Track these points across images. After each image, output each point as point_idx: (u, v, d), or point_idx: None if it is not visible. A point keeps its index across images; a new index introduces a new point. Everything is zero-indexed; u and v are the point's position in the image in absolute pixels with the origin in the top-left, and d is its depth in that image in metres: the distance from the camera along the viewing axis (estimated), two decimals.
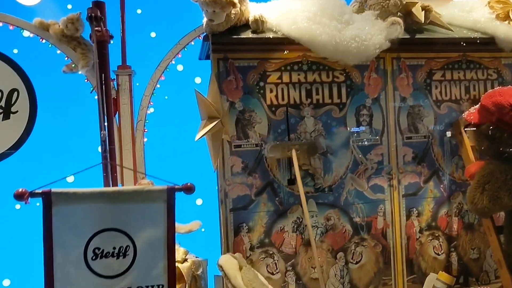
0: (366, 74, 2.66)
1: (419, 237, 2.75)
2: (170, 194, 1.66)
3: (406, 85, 2.73)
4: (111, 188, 1.73)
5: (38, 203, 3.48)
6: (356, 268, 2.66)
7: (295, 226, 2.59)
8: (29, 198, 1.58)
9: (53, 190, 1.55)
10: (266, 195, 2.54)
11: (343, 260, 2.64)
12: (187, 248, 2.73)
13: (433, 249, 2.76)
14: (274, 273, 2.54)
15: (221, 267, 1.82)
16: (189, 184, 1.79)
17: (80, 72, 2.94)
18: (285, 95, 2.55)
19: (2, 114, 2.89)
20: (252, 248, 2.51)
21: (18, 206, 3.44)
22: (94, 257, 1.50)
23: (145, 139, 2.99)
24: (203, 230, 3.26)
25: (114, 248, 1.52)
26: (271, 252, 2.54)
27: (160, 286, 1.56)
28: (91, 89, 2.99)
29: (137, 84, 3.09)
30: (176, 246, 2.11)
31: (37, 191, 1.59)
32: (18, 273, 3.36)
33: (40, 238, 3.00)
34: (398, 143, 2.71)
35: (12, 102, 2.93)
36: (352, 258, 2.65)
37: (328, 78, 2.61)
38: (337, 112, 2.62)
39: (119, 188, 1.72)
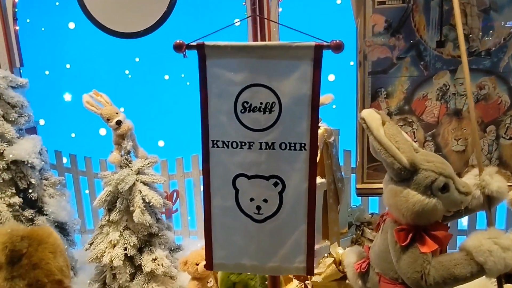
0: None
1: None
2: (317, 51, 1.57)
3: None
4: (260, 43, 1.69)
5: (167, 76, 3.78)
6: (508, 145, 2.39)
7: (440, 94, 2.36)
8: (186, 51, 1.62)
9: (206, 43, 1.57)
10: (410, 58, 2.32)
11: (494, 134, 2.38)
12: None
13: None
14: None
15: (363, 119, 1.75)
16: (338, 41, 1.60)
17: None
18: None
19: None
20: (389, 115, 2.39)
21: (166, 77, 3.81)
22: (243, 110, 1.53)
23: (280, 9, 2.92)
24: (334, 106, 3.23)
25: (261, 103, 1.53)
26: (410, 120, 2.41)
27: (302, 144, 1.56)
28: None
29: None
30: None
31: (192, 43, 1.63)
32: (170, 136, 3.83)
33: (187, 104, 3.27)
34: None
35: None
36: (505, 133, 2.37)
37: None
38: None
39: (267, 42, 1.69)
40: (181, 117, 3.65)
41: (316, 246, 2.60)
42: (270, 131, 1.52)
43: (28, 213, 2.71)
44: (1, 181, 2.60)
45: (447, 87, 2.34)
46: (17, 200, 2.64)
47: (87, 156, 3.53)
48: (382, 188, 2.41)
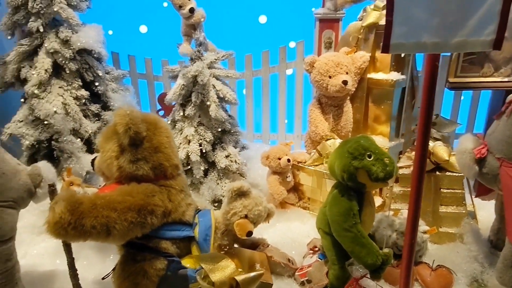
0: None
1: None
2: None
3: None
4: None
5: None
6: None
7: None
8: None
9: None
10: None
11: None
12: None
13: None
14: None
15: None
16: None
17: None
18: None
19: None
20: None
21: None
22: None
23: None
24: None
25: None
26: None
27: None
28: None
29: None
30: None
31: None
32: (234, 31, 3.48)
33: None
34: None
35: None
36: None
37: None
38: None
39: None
40: (245, 10, 3.39)
41: (391, 143, 2.65)
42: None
43: (94, 107, 2.58)
44: (68, 72, 2.43)
45: None
46: (84, 93, 2.50)
47: (131, 55, 3.33)
48: (476, 82, 2.41)
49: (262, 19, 3.61)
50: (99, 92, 2.57)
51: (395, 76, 2.53)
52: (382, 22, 2.57)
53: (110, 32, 3.70)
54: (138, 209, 1.56)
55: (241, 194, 1.91)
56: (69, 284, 1.78)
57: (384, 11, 2.58)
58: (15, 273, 1.78)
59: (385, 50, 1.32)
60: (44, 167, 1.83)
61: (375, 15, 2.57)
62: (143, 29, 3.51)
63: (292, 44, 3.35)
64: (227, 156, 2.63)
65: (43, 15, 2.32)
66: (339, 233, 1.79)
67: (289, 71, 3.35)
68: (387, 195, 2.55)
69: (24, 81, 2.46)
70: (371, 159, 1.74)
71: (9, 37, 2.44)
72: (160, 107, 3.48)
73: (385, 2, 2.40)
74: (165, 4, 3.39)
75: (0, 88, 2.53)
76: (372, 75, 2.63)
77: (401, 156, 2.64)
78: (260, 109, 3.47)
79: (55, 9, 2.30)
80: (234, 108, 3.50)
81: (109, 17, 3.58)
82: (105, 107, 2.65)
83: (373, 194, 2.63)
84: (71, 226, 1.42)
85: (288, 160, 2.47)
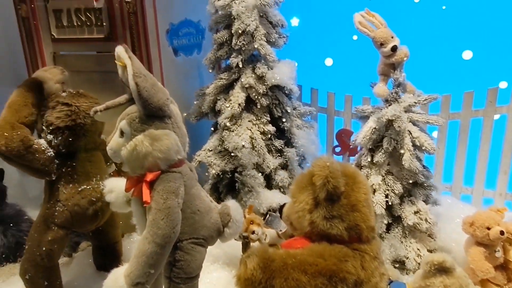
0: None
1: None
2: None
3: None
4: None
5: None
6: None
7: None
8: None
9: None
10: None
11: None
12: None
13: None
14: None
15: None
16: None
17: None
18: None
19: None
20: None
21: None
22: None
23: None
24: None
25: None
26: None
27: None
28: None
29: None
30: None
31: None
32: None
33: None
34: None
35: None
36: None
37: None
38: None
39: None
40: (447, 43, 3.04)
41: None
42: None
43: (278, 143, 2.55)
44: (259, 106, 2.45)
45: None
46: (271, 128, 2.48)
47: (314, 88, 3.26)
48: None
49: (467, 54, 3.15)
50: (285, 128, 2.52)
51: None
52: None
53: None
54: (330, 275, 1.37)
55: (441, 270, 1.64)
56: None
57: None
58: None
59: None
60: (233, 206, 1.80)
61: None
62: (328, 62, 3.42)
63: (503, 85, 2.81)
64: (416, 212, 2.28)
65: (244, 52, 2.38)
66: None
67: (496, 116, 2.81)
68: None
69: (217, 112, 2.57)
70: None
71: (210, 71, 2.59)
72: (337, 143, 3.31)
73: None
74: (355, 37, 3.23)
75: (196, 116, 2.69)
76: None
77: None
78: (453, 156, 2.99)
79: (255, 46, 2.34)
80: (441, 152, 3.09)
81: (295, 49, 3.59)
82: (288, 143, 2.59)
83: None
84: (261, 286, 1.32)
85: (502, 233, 1.99)
